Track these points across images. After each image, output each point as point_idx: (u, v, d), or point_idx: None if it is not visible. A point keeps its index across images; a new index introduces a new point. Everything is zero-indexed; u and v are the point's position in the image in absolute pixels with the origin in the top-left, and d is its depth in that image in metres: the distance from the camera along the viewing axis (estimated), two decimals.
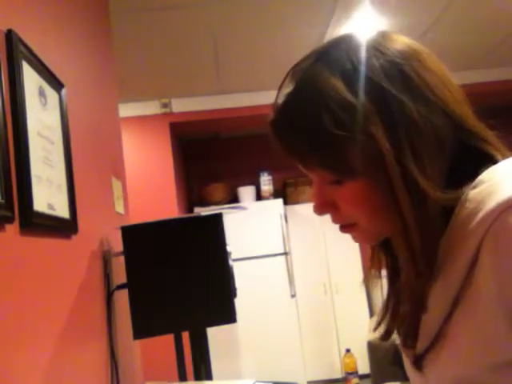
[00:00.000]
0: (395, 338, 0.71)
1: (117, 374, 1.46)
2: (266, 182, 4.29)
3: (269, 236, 4.05)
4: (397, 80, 0.55)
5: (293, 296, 3.98)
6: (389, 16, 2.85)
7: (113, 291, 1.51)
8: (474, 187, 0.53)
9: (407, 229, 0.54)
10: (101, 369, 1.37)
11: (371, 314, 4.23)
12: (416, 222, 0.54)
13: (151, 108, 3.83)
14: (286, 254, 4.04)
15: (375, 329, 0.69)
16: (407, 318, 0.60)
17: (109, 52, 2.04)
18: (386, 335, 0.67)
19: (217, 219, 1.44)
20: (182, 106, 3.86)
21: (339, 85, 0.55)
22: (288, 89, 0.61)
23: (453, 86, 0.59)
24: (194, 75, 3.46)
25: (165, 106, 3.83)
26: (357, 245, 4.19)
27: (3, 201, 0.85)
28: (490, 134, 0.59)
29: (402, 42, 0.59)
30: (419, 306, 0.57)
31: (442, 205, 0.54)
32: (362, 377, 3.77)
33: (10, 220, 0.88)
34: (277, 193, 4.38)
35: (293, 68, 0.63)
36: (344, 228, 0.64)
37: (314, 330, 4.12)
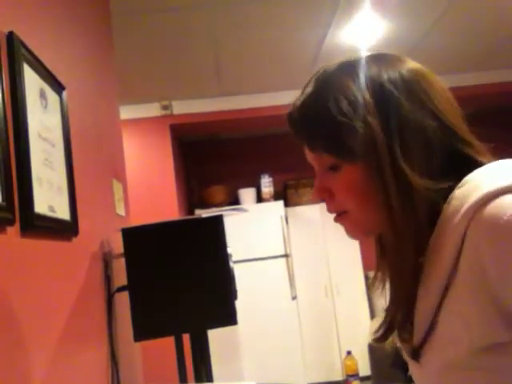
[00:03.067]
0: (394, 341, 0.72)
1: (117, 375, 1.46)
2: (267, 184, 4.29)
3: (269, 238, 4.05)
4: (399, 85, 0.65)
5: (293, 298, 3.98)
6: (389, 18, 2.85)
7: (113, 293, 1.51)
8: (460, 187, 0.60)
9: (393, 213, 0.61)
10: (101, 371, 1.37)
11: (372, 316, 4.22)
12: (401, 207, 0.61)
13: (152, 110, 3.83)
14: (286, 256, 4.04)
15: (376, 332, 0.72)
16: (400, 313, 0.66)
17: (109, 54, 2.05)
18: (382, 337, 0.71)
19: (217, 221, 1.44)
20: (183, 108, 3.86)
21: (349, 83, 0.66)
22: (307, 89, 0.70)
23: (452, 104, 0.68)
24: (195, 77, 3.46)
25: (165, 108, 3.83)
26: (358, 246, 4.19)
27: (4, 203, 0.85)
28: (478, 144, 0.67)
29: (413, 63, 0.69)
30: (409, 298, 0.63)
31: (427, 197, 0.61)
32: (363, 379, 3.76)
33: (11, 222, 0.88)
34: (277, 195, 4.38)
35: (316, 72, 0.72)
36: (338, 216, 0.71)
37: (314, 332, 4.12)
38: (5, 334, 0.83)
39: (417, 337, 0.63)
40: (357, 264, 4.21)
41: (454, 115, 0.67)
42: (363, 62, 0.68)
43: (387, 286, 0.72)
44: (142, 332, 1.39)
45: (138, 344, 1.80)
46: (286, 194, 4.45)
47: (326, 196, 0.70)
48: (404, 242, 0.61)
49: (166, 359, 2.63)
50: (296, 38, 2.99)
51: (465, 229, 0.55)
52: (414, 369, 0.69)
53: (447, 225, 0.58)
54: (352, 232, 0.71)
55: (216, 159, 4.70)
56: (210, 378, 1.57)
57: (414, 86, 0.65)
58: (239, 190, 4.32)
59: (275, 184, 4.35)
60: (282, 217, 4.08)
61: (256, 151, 4.72)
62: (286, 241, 4.05)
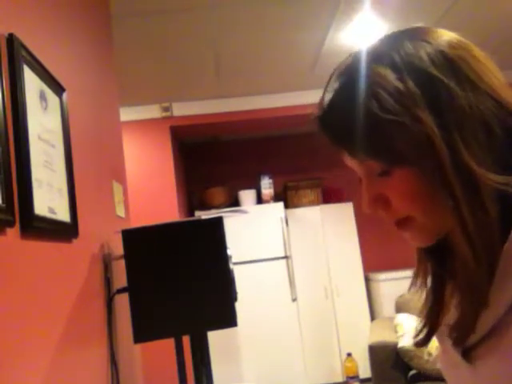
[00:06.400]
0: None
1: (117, 377, 1.46)
2: (267, 186, 4.29)
3: (269, 239, 4.05)
4: (444, 67, 0.56)
5: (294, 300, 3.98)
6: (390, 20, 2.85)
7: (113, 295, 1.51)
8: None
9: (462, 216, 0.53)
10: (101, 373, 1.37)
11: (372, 317, 4.22)
12: (469, 205, 0.53)
13: (152, 112, 3.84)
14: (286, 257, 4.04)
15: (416, 336, 0.67)
16: (465, 317, 0.58)
17: (110, 56, 2.05)
18: (424, 341, 0.66)
19: (217, 223, 1.43)
20: (183, 109, 3.87)
21: (387, 73, 0.56)
22: (334, 85, 0.61)
23: (500, 76, 0.60)
24: (195, 79, 3.47)
25: (165, 109, 3.83)
26: (358, 248, 4.19)
27: (4, 204, 0.85)
28: None
29: (449, 34, 0.60)
30: (480, 301, 0.55)
31: (496, 189, 0.53)
32: (364, 381, 3.76)
33: (11, 224, 0.88)
34: (277, 196, 4.38)
35: (337, 67, 0.63)
36: (400, 225, 0.61)
37: (314, 333, 4.11)
38: (5, 335, 0.83)
39: (475, 336, 0.56)
40: (357, 265, 4.21)
41: (507, 90, 0.58)
42: (395, 43, 0.59)
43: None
44: (141, 334, 1.39)
45: (137, 345, 1.80)
46: (286, 196, 4.45)
47: (381, 206, 0.60)
48: (478, 246, 0.53)
49: (165, 361, 2.62)
50: (296, 39, 2.99)
51: None
52: (460, 373, 0.61)
53: None
54: (418, 239, 0.62)
55: (216, 161, 4.71)
56: (210, 379, 1.57)
57: (458, 63, 0.56)
58: (239, 192, 4.32)
59: (275, 185, 4.36)
60: (282, 218, 4.08)
61: (256, 153, 4.72)
62: (286, 242, 4.05)
